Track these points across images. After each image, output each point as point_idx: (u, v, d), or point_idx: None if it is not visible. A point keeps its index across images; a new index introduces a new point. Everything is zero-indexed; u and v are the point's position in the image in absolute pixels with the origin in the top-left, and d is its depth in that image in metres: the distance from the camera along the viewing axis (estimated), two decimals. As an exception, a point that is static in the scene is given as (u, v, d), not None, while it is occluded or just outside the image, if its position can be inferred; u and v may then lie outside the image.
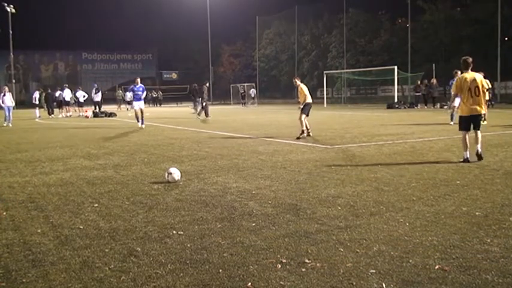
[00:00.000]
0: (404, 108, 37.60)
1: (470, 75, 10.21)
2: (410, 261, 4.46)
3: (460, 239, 5.05)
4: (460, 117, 10.51)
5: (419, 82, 40.16)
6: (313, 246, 4.95)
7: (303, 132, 15.86)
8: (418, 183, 7.96)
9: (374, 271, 4.25)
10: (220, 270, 4.36)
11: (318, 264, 4.44)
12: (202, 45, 76.33)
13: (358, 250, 4.79)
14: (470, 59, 10.35)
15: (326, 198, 6.99)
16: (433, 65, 41.87)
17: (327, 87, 50.05)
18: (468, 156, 10.09)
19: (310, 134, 16.11)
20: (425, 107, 37.19)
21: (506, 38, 49.50)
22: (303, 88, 16.38)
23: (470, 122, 10.28)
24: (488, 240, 4.98)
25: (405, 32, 58.78)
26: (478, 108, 10.18)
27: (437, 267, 4.30)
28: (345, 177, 8.65)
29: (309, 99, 16.28)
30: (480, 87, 10.12)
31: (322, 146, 13.27)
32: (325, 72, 50.11)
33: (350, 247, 4.88)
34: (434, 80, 38.32)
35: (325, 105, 45.29)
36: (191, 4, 75.61)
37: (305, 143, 14.08)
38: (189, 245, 5.07)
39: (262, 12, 76.89)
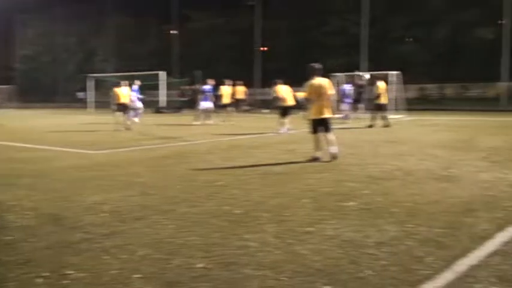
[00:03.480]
0: (172, 112, 38.27)
1: (319, 81, 10.87)
2: (174, 262, 4.56)
3: (222, 236, 5.30)
4: (312, 120, 10.99)
5: (186, 87, 41.23)
6: (76, 256, 4.77)
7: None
8: (183, 185, 8.17)
9: (139, 275, 4.26)
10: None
11: (81, 275, 4.31)
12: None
13: (123, 256, 4.75)
14: (319, 65, 11.07)
15: (91, 206, 6.80)
16: (199, 71, 43.34)
17: (93, 91, 48.64)
18: (319, 156, 10.71)
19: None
20: (192, 112, 38.27)
21: (264, 48, 53.41)
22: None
23: (320, 125, 10.86)
24: (247, 236, 5.30)
25: (172, 38, 59.95)
26: (327, 111, 10.83)
27: (200, 265, 4.46)
28: (110, 182, 8.52)
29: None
30: (327, 92, 10.82)
31: (87, 152, 12.90)
32: (90, 75, 48.69)
33: (115, 254, 4.82)
34: (199, 86, 39.62)
35: (91, 109, 43.94)
36: None
37: (68, 149, 13.52)
38: None
39: (23, 11, 71.79)
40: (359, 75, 26.44)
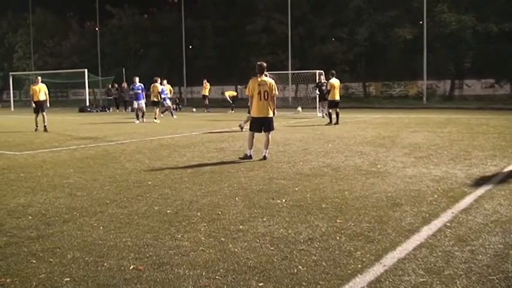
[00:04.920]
0: (97, 111, 37.45)
1: (264, 79, 10.69)
2: (105, 264, 4.46)
3: (153, 237, 5.24)
4: (252, 118, 10.87)
5: (110, 86, 40.49)
6: (1, 261, 4.59)
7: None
8: (112, 186, 8.01)
9: (69, 279, 4.13)
10: None
11: (8, 280, 4.14)
12: None
13: (51, 260, 4.60)
14: (265, 64, 10.83)
15: (15, 209, 6.56)
16: (123, 69, 42.65)
17: (13, 89, 46.92)
18: (251, 153, 10.70)
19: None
20: (117, 111, 37.62)
21: (190, 46, 53.12)
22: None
23: (261, 124, 10.75)
24: (179, 236, 5.26)
25: (94, 35, 58.63)
26: (269, 110, 10.70)
27: (131, 267, 4.39)
28: (35, 184, 8.24)
29: None
30: (270, 91, 10.65)
31: (9, 153, 12.42)
32: (11, 73, 46.93)
33: (43, 257, 4.66)
34: (125, 84, 39.00)
35: (12, 108, 42.41)
36: None
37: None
38: None
39: None
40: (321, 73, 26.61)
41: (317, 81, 25.91)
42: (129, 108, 37.27)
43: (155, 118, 23.69)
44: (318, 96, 25.76)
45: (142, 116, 24.17)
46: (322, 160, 10.44)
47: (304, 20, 45.83)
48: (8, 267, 4.46)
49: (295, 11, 44.40)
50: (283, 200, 6.81)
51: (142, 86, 24.49)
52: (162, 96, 26.55)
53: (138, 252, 4.79)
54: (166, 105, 27.43)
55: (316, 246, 4.89)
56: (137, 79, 24.52)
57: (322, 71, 26.60)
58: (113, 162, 10.70)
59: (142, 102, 24.26)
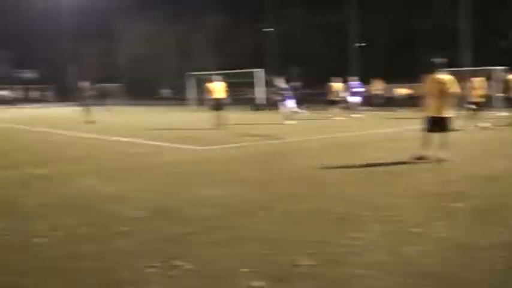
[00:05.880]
0: (269, 110, 38.28)
1: (440, 76, 10.14)
2: (279, 258, 4.54)
3: (325, 234, 5.24)
4: (427, 117, 10.32)
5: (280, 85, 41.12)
6: (183, 248, 4.91)
7: None
8: (287, 182, 8.21)
9: (246, 270, 4.28)
10: (92, 277, 4.19)
11: (189, 266, 4.41)
12: (62, 44, 72.77)
13: (229, 249, 4.83)
14: (442, 61, 10.27)
15: (198, 200, 6.96)
16: (295, 68, 43.21)
17: (197, 88, 49.75)
18: (426, 155, 10.07)
19: None
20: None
21: (359, 44, 52.68)
22: None
23: (437, 124, 10.14)
24: (351, 235, 5.19)
25: (268, 35, 60.32)
26: (445, 110, 10.14)
27: (304, 262, 4.43)
28: (218, 177, 8.72)
29: None
30: (448, 89, 10.08)
31: (194, 148, 13.18)
32: (190, 73, 49.68)
33: (222, 247, 4.89)
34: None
35: (193, 107, 44.95)
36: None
37: (174, 144, 13.87)
38: (54, 253, 4.82)
39: (124, 11, 74.12)
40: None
41: None
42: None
43: (346, 116, 23.78)
44: None
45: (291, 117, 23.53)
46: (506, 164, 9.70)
47: (482, 13, 43.19)
48: (189, 253, 4.75)
49: (470, 4, 42.00)
50: (462, 204, 6.46)
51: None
52: (354, 90, 26.30)
53: (310, 248, 4.83)
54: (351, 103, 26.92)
55: (500, 255, 4.57)
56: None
57: None
58: (288, 159, 10.94)
59: (291, 102, 24.05)
